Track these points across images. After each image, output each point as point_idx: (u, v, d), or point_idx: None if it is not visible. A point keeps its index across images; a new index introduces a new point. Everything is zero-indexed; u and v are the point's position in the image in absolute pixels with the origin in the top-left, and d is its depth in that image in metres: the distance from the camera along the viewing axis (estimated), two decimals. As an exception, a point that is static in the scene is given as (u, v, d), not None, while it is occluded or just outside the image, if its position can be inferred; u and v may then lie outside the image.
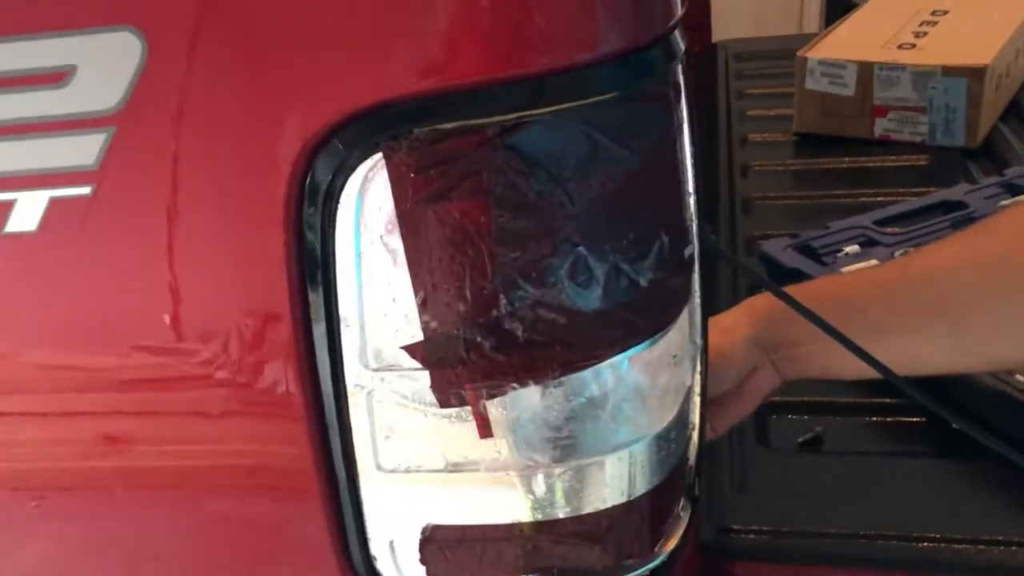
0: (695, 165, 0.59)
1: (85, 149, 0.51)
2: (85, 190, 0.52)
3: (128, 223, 0.53)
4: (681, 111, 0.57)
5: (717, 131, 1.62)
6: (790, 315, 0.69)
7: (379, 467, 0.58)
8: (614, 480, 0.60)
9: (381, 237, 0.52)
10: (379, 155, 0.50)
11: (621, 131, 0.53)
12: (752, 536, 0.79)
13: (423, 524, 0.60)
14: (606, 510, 0.60)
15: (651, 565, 0.64)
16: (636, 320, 0.56)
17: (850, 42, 1.54)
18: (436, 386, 0.55)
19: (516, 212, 0.51)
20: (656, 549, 0.64)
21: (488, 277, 0.52)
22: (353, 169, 0.50)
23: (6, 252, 0.55)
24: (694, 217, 0.60)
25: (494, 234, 0.51)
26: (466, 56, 0.48)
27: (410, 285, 0.52)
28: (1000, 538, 0.74)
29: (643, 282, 0.56)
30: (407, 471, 0.59)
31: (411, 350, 0.54)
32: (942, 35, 1.51)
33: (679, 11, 0.55)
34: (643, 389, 0.58)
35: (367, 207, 0.51)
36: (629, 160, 0.54)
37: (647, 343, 0.57)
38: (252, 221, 0.52)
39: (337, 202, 0.51)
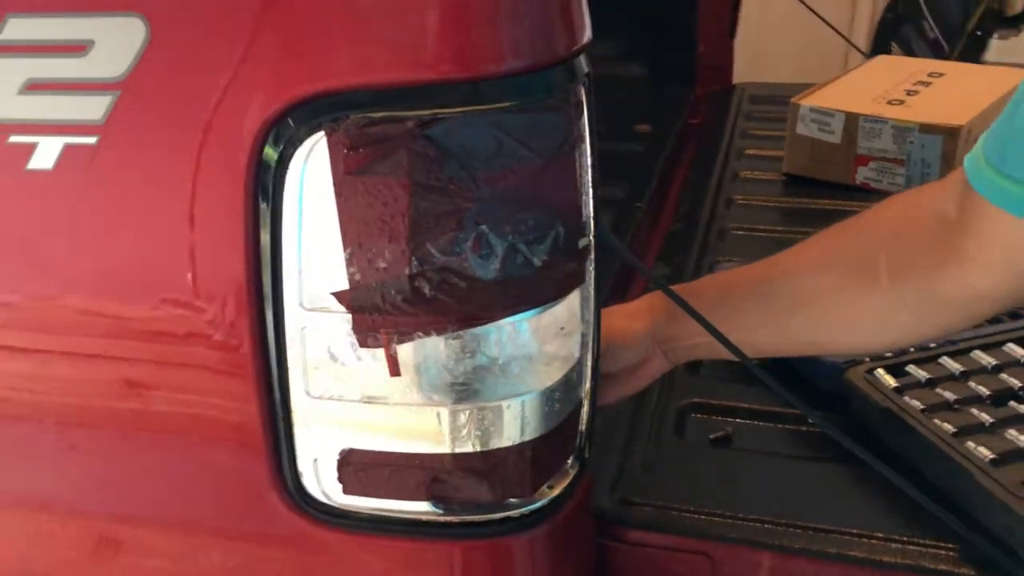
0: (594, 171, 0.71)
1: (95, 107, 0.65)
2: (92, 140, 0.65)
3: (122, 171, 0.67)
4: (582, 125, 0.68)
5: (713, 165, 1.73)
6: (682, 313, 0.81)
7: (308, 393, 0.71)
8: (501, 426, 0.71)
9: (319, 200, 0.64)
10: (321, 133, 0.62)
11: (523, 134, 0.65)
12: (646, 508, 0.89)
13: (341, 447, 0.72)
14: (493, 451, 0.71)
15: (532, 506, 0.75)
16: (526, 292, 0.68)
17: (844, 94, 1.64)
18: (356, 328, 0.67)
19: (428, 190, 0.63)
20: (537, 493, 0.75)
21: (402, 242, 0.64)
22: (300, 143, 0.63)
23: (27, 185, 0.68)
24: (591, 215, 0.72)
25: (409, 206, 0.63)
26: (395, 61, 0.61)
27: (340, 242, 0.65)
28: (854, 531, 0.84)
29: (536, 262, 0.67)
30: (331, 399, 0.71)
31: (338, 296, 0.66)
32: (930, 95, 1.61)
33: (583, 40, 0.67)
34: (530, 351, 0.70)
35: (309, 175, 0.63)
36: (530, 159, 0.66)
37: (534, 312, 0.68)
38: (220, 181, 0.65)
39: (286, 169, 0.63)
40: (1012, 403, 0.93)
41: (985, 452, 0.85)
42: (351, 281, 0.65)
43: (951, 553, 0.83)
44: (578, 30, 0.66)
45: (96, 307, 0.73)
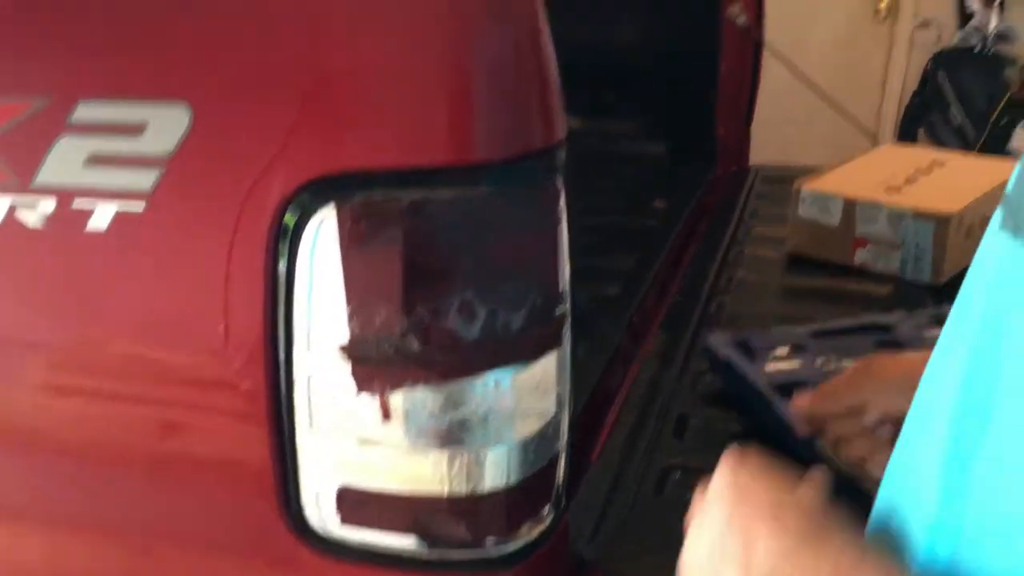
0: (570, 248, 0.80)
1: (145, 179, 0.76)
2: (140, 207, 0.77)
3: (165, 236, 0.78)
4: (559, 208, 0.78)
5: (721, 242, 1.82)
6: None
7: (312, 433, 0.80)
8: (481, 472, 0.80)
9: (327, 263, 0.74)
10: (331, 206, 0.73)
11: (506, 215, 0.75)
12: (620, 559, 0.97)
13: (340, 484, 0.81)
14: (473, 494, 0.80)
15: (510, 548, 0.83)
16: (505, 352, 0.77)
17: (846, 179, 1.73)
18: (355, 375, 0.77)
19: (419, 260, 0.73)
20: (511, 536, 0.83)
21: (395, 303, 0.74)
22: (314, 214, 0.73)
23: (85, 245, 0.80)
24: (567, 287, 0.81)
25: (401, 274, 0.73)
26: (395, 148, 0.72)
27: (344, 300, 0.75)
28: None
29: (515, 326, 0.77)
30: (332, 439, 0.80)
31: (340, 347, 0.76)
32: (928, 183, 1.69)
33: (560, 135, 0.77)
34: (508, 405, 0.79)
35: (320, 242, 0.74)
36: (511, 237, 0.76)
37: (512, 370, 0.78)
38: (245, 245, 0.76)
39: (300, 236, 0.74)
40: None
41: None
42: (351, 334, 0.75)
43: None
44: (556, 127, 0.77)
45: (137, 354, 0.83)
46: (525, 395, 0.80)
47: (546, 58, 0.76)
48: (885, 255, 1.62)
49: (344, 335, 0.76)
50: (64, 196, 0.78)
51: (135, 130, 0.76)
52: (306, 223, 0.74)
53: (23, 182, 0.79)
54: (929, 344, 0.57)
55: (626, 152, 2.36)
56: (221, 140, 0.75)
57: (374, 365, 0.76)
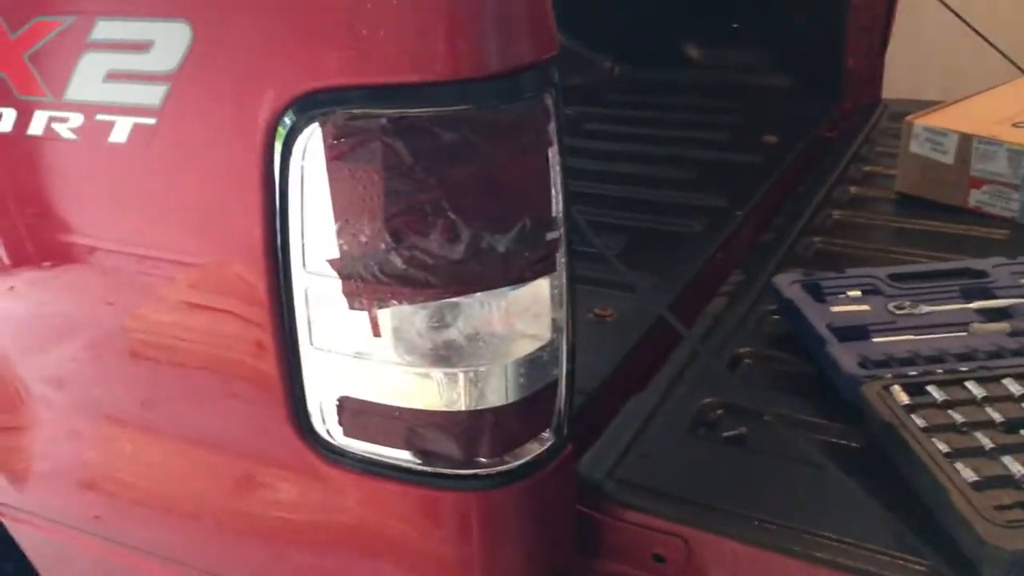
0: (564, 172, 0.78)
1: (155, 94, 0.80)
2: (152, 120, 0.80)
3: (175, 146, 0.81)
4: (550, 128, 0.76)
5: (828, 179, 1.72)
6: None
7: (312, 344, 0.83)
8: (468, 391, 0.80)
9: (316, 180, 0.76)
10: (316, 124, 0.74)
11: (491, 133, 0.74)
12: (637, 491, 0.95)
13: (339, 395, 0.84)
14: (459, 412, 0.81)
15: (501, 468, 0.83)
16: (490, 274, 0.76)
17: (968, 114, 1.59)
18: (344, 291, 0.78)
19: (399, 178, 0.74)
20: (506, 456, 0.83)
21: (378, 221, 0.75)
22: (301, 131, 0.75)
23: (110, 155, 0.85)
24: (561, 212, 0.79)
25: (382, 191, 0.74)
26: (378, 64, 0.72)
27: (332, 217, 0.76)
28: (827, 534, 0.86)
29: (501, 248, 0.76)
30: (330, 352, 0.82)
31: (330, 263, 0.78)
32: (1062, 120, 1.53)
33: (551, 50, 0.74)
34: (495, 327, 0.79)
35: (308, 159, 0.75)
36: (496, 157, 0.75)
37: (497, 292, 0.77)
38: (242, 158, 0.78)
39: (290, 153, 0.76)
40: None
41: (970, 474, 0.85)
42: (340, 251, 0.77)
43: (920, 569, 0.84)
44: (547, 40, 0.74)
45: (151, 256, 0.88)
46: (515, 318, 0.80)
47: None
48: (1003, 197, 1.49)
49: (333, 251, 0.77)
50: (89, 110, 0.83)
51: (144, 47, 0.79)
52: (294, 141, 0.75)
53: (56, 97, 0.84)
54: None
55: (748, 84, 2.25)
56: (218, 57, 0.77)
57: (362, 282, 0.77)
